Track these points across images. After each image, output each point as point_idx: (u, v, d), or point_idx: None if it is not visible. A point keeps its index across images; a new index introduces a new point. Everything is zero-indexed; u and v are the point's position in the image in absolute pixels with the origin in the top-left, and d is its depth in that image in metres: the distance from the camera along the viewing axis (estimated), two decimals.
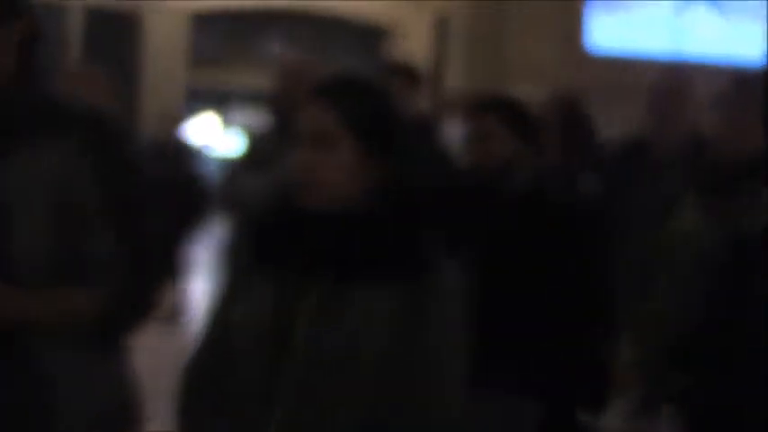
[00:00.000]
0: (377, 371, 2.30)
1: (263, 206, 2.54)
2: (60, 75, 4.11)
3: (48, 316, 2.38)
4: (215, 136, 18.23)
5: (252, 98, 16.17)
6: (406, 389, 2.31)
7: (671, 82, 4.15)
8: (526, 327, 3.62)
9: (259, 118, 8.58)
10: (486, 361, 2.60)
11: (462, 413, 2.36)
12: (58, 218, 2.36)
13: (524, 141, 3.72)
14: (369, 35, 18.29)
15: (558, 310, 3.63)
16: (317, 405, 2.30)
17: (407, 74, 5.15)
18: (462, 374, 2.37)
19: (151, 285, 2.48)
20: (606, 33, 14.77)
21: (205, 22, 17.75)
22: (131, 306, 2.46)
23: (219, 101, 19.34)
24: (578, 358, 3.71)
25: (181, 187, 9.05)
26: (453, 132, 5.37)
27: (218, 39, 18.34)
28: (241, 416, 2.37)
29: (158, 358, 6.87)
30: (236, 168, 5.90)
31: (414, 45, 16.47)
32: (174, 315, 9.59)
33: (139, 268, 2.42)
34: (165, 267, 3.14)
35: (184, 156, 10.03)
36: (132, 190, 2.44)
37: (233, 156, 9.43)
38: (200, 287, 10.39)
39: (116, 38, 17.03)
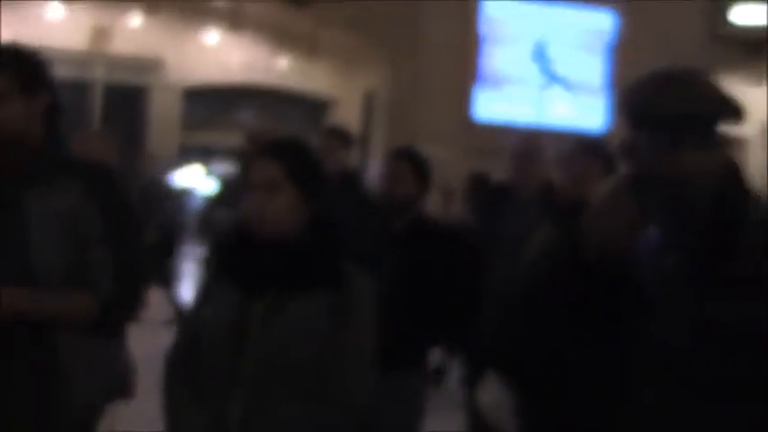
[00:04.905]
0: (311, 361, 2.29)
1: (227, 234, 2.52)
2: (76, 138, 4.13)
3: (60, 311, 2.38)
4: (200, 181, 18.14)
5: (228, 154, 16.12)
6: (336, 373, 2.29)
7: (528, 144, 4.17)
8: (419, 319, 3.64)
9: (232, 168, 8.56)
10: (389, 346, 2.58)
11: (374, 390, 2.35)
12: (69, 240, 2.37)
13: (422, 182, 3.78)
14: (315, 106, 18.30)
15: (441, 306, 3.67)
16: (269, 387, 2.28)
17: (342, 136, 5.06)
18: (375, 358, 2.36)
19: (138, 289, 2.49)
20: (488, 106, 14.91)
21: (195, 95, 17.65)
22: (123, 304, 2.46)
23: (204, 156, 19.26)
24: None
25: (163, 217, 8.92)
26: (375, 173, 5.37)
27: (205, 108, 18.23)
28: (211, 394, 2.32)
29: (155, 349, 6.79)
30: (211, 205, 5.88)
31: (348, 113, 16.51)
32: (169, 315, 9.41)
33: (128, 276, 2.43)
34: (148, 277, 3.19)
35: (167, 196, 9.84)
36: (124, 221, 2.47)
37: (211, 195, 9.36)
38: (187, 292, 10.26)
39: (127, 107, 16.86)
